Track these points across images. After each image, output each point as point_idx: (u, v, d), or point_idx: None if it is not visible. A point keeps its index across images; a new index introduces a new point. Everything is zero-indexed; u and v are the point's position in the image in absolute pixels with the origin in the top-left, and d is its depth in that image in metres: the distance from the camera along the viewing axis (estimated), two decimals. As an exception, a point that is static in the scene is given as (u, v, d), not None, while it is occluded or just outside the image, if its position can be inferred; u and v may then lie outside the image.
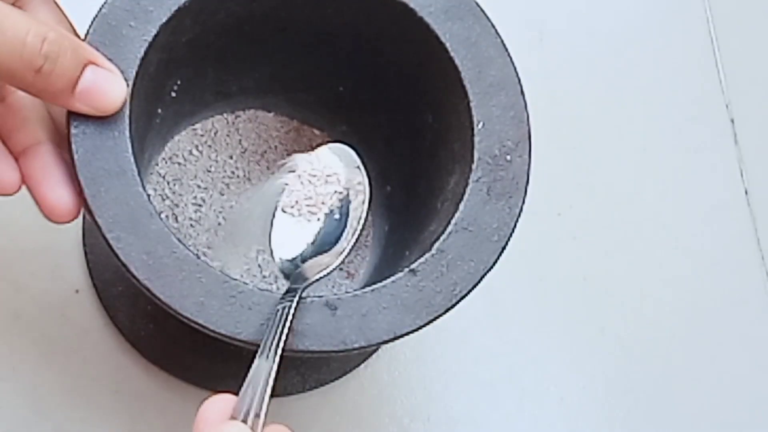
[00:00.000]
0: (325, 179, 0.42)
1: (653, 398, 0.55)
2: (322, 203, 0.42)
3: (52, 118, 0.40)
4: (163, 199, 0.49)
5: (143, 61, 0.39)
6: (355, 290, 0.39)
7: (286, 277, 0.40)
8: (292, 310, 0.37)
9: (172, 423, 0.49)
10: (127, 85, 0.38)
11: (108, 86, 0.37)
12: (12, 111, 0.39)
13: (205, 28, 0.42)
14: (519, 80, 0.42)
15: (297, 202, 0.42)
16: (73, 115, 0.37)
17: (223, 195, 0.49)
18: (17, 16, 0.35)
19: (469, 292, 0.39)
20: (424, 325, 0.39)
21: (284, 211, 0.42)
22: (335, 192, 0.42)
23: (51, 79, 0.35)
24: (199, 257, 0.37)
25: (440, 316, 0.39)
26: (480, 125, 0.41)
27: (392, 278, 0.39)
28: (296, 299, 0.37)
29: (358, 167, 0.42)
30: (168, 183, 0.49)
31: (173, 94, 0.45)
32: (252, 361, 0.35)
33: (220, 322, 0.37)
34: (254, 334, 0.37)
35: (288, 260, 0.40)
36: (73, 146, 0.37)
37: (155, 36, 0.39)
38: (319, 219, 0.41)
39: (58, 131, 0.39)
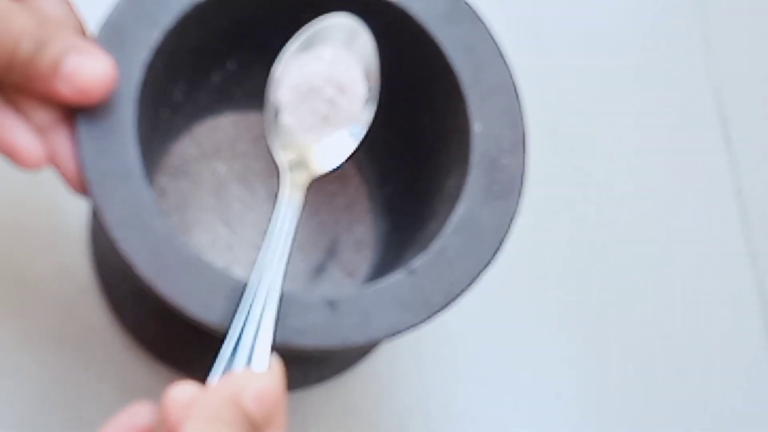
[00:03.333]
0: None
1: (651, 397, 0.55)
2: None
3: None
4: (168, 200, 0.49)
5: (149, 66, 0.39)
6: (355, 289, 0.39)
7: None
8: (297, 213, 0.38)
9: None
10: (134, 89, 0.39)
11: (90, 67, 0.37)
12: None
13: (209, 33, 0.43)
14: (515, 84, 0.43)
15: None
16: (80, 117, 0.38)
17: (225, 197, 0.50)
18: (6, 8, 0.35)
19: (466, 291, 0.40)
20: (423, 323, 0.39)
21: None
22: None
23: (33, 63, 0.36)
24: (203, 257, 0.38)
25: (438, 314, 0.39)
26: (477, 128, 0.42)
27: (392, 277, 0.39)
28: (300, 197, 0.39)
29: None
30: (172, 184, 0.49)
31: (178, 98, 0.46)
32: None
33: (225, 322, 0.37)
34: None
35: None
36: (81, 148, 0.38)
37: (161, 42, 0.39)
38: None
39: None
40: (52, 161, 0.38)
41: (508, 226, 0.41)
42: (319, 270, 0.50)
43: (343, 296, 0.39)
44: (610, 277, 0.57)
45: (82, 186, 0.38)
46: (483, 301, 0.53)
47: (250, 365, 0.36)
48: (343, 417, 0.51)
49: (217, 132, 0.50)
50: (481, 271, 0.40)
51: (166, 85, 0.43)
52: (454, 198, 0.41)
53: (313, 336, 0.38)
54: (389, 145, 0.49)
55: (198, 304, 0.37)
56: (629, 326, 0.56)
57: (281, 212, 0.40)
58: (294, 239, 0.39)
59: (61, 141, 0.38)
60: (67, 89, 0.37)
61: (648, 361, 0.56)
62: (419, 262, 0.40)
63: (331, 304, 0.38)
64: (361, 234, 0.51)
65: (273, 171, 0.51)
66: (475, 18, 0.43)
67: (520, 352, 0.54)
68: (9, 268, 0.49)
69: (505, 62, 0.43)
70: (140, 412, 0.36)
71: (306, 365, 0.50)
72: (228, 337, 0.36)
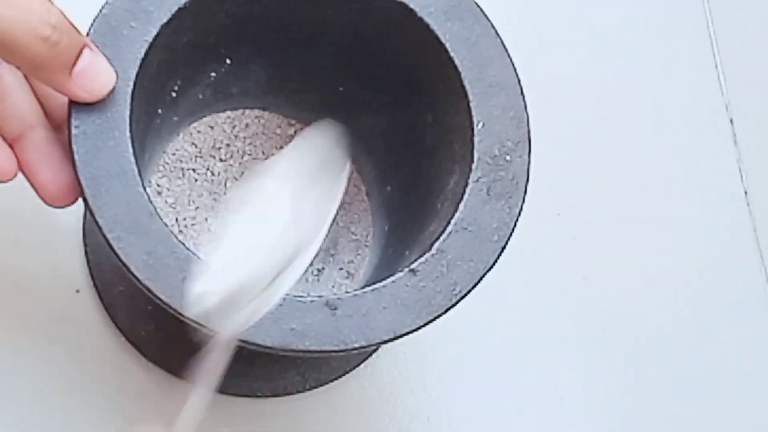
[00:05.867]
0: None
1: (653, 398, 0.55)
2: None
3: (41, 103, 0.40)
4: (164, 199, 0.49)
5: (144, 61, 0.39)
6: (355, 290, 0.39)
7: None
8: None
9: (173, 423, 0.48)
10: (128, 85, 0.38)
11: (103, 70, 0.37)
12: (0, 97, 0.39)
13: (206, 28, 0.42)
14: (519, 81, 0.42)
15: None
16: (74, 115, 0.38)
17: (223, 195, 0.49)
18: None
19: (469, 292, 0.39)
20: (424, 325, 0.39)
21: None
22: None
23: (56, 52, 0.35)
24: (199, 257, 0.38)
25: (440, 316, 0.39)
26: (480, 125, 0.41)
27: (392, 278, 0.39)
28: None
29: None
30: (168, 183, 0.49)
31: (173, 95, 0.45)
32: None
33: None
34: (254, 334, 0.37)
35: None
36: (74, 146, 0.37)
37: (156, 36, 0.39)
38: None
39: (49, 116, 0.39)
40: (22, 171, 0.38)
41: (512, 227, 0.40)
42: (318, 271, 0.50)
43: (342, 298, 0.38)
44: (615, 279, 0.57)
45: (52, 197, 0.38)
46: (485, 303, 0.53)
47: None
48: (343, 421, 0.51)
49: (214, 130, 0.50)
50: (483, 272, 0.40)
51: (161, 81, 0.43)
52: (456, 197, 0.41)
53: (312, 338, 0.38)
54: (389, 143, 0.48)
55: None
56: (634, 329, 0.56)
57: None
58: None
59: (31, 150, 0.38)
60: (77, 90, 0.37)
61: (652, 364, 0.56)
62: (420, 262, 0.39)
63: (331, 306, 0.38)
64: (361, 234, 0.50)
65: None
66: (477, 14, 0.43)
67: (524, 354, 0.54)
68: (3, 268, 0.49)
69: (508, 58, 0.42)
70: None
71: (305, 368, 0.50)
72: None
